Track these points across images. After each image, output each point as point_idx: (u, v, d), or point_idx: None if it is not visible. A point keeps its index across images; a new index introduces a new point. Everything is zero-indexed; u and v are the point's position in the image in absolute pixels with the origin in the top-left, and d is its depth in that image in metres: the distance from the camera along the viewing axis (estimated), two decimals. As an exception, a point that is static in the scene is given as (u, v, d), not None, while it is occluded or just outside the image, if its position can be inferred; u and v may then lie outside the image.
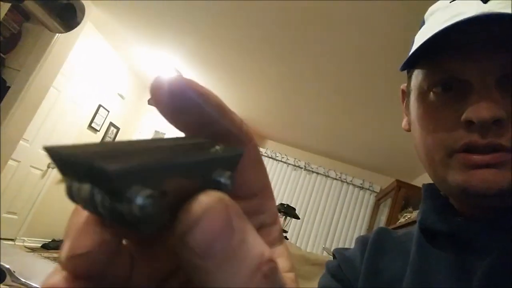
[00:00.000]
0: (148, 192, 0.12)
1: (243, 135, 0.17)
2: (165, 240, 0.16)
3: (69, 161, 0.13)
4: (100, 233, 0.13)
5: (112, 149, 0.13)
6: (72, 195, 0.13)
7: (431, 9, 0.47)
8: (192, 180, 0.14)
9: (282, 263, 0.17)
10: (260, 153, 0.18)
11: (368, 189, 5.17)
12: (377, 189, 5.12)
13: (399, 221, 3.65)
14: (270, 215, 0.18)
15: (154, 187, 0.13)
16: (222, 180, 0.15)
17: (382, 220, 4.43)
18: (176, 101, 0.15)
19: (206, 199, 0.13)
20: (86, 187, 0.12)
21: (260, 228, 0.18)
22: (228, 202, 0.13)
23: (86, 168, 0.12)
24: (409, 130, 0.51)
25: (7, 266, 0.66)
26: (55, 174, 4.09)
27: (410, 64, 0.47)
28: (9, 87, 3.30)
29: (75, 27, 3.13)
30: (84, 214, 0.14)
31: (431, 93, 0.44)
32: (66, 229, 0.14)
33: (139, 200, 0.12)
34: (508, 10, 0.37)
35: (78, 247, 0.13)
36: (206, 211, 0.12)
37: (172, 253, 0.16)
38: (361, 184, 5.19)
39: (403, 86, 0.53)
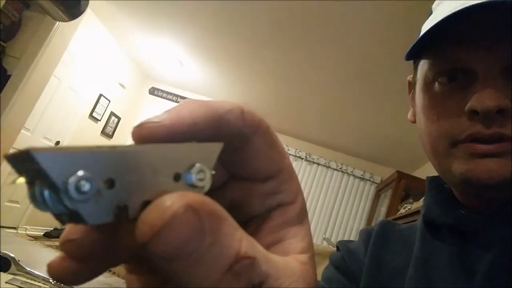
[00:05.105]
0: (80, 178, 0.12)
1: (247, 127, 0.16)
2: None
3: (15, 158, 0.12)
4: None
5: (68, 147, 0.12)
6: (29, 198, 0.13)
7: None
8: (156, 175, 0.13)
9: (295, 244, 0.17)
10: (274, 136, 0.17)
11: (369, 180, 5.18)
12: (378, 180, 5.13)
13: (400, 212, 3.66)
14: (288, 195, 0.18)
15: (95, 176, 0.12)
16: (193, 177, 0.14)
17: (382, 211, 4.45)
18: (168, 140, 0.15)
19: (168, 206, 0.12)
20: (36, 186, 0.12)
21: (277, 207, 0.18)
22: (196, 205, 0.12)
23: (22, 160, 0.12)
24: (414, 121, 0.51)
25: (12, 255, 0.66)
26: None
27: (415, 54, 0.46)
28: (9, 75, 3.28)
29: (79, 15, 3.10)
30: None
31: (436, 83, 0.43)
32: None
33: (71, 188, 0.11)
34: None
35: (71, 233, 0.15)
36: (168, 221, 0.11)
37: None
38: (361, 175, 5.19)
39: (409, 77, 0.53)
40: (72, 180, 0.12)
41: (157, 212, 0.12)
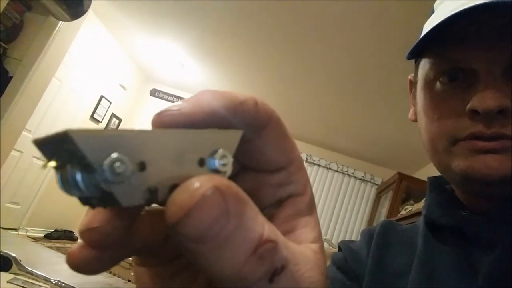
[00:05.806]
0: (115, 160, 0.12)
1: (261, 118, 0.16)
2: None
3: (46, 142, 0.13)
4: (110, 212, 0.15)
5: (100, 130, 0.12)
6: (58, 182, 0.13)
7: None
8: (182, 159, 0.14)
9: (306, 234, 0.17)
10: (285, 128, 0.17)
11: (370, 181, 5.17)
12: (379, 181, 5.12)
13: (400, 214, 3.66)
14: (298, 186, 0.18)
15: (127, 157, 0.12)
16: (217, 162, 0.14)
17: (383, 213, 4.44)
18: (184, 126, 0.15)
19: (197, 187, 0.12)
20: (68, 169, 0.12)
21: (288, 198, 0.18)
22: (223, 188, 0.12)
23: (56, 142, 0.12)
24: (415, 120, 0.51)
25: (13, 255, 0.66)
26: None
27: (416, 54, 0.46)
28: (11, 77, 3.29)
29: (82, 15, 3.11)
30: None
31: (437, 82, 0.43)
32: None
33: (107, 169, 0.12)
34: None
35: (91, 222, 0.15)
36: (198, 202, 0.12)
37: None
38: (362, 176, 5.19)
39: (411, 76, 0.53)
40: (107, 161, 0.12)
41: (187, 193, 0.12)
